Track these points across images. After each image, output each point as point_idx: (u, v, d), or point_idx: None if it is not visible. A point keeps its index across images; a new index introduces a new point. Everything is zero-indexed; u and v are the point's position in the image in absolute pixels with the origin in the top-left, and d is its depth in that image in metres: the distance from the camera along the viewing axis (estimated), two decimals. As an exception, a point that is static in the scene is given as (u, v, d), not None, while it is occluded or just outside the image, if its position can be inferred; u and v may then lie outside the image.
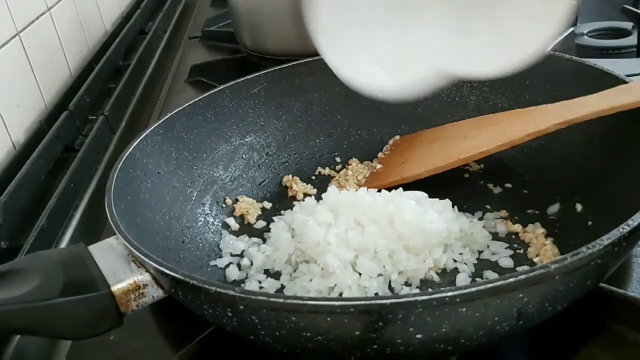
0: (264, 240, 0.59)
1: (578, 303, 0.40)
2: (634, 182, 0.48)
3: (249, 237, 0.60)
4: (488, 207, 0.59)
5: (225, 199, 0.64)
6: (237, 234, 0.61)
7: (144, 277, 0.42)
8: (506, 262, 0.52)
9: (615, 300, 0.44)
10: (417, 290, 0.50)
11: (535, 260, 0.52)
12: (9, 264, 0.43)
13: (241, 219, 0.63)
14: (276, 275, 0.54)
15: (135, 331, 0.49)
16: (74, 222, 0.65)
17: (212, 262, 0.57)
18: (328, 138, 0.71)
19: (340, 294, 0.50)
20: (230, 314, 0.38)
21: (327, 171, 0.69)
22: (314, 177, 0.69)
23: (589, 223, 0.51)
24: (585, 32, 1.00)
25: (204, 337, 0.45)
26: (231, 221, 0.62)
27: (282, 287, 0.53)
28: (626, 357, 0.43)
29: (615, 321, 0.44)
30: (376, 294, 0.50)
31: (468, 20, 0.50)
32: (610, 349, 0.43)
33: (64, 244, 0.62)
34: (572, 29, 0.85)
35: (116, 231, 0.44)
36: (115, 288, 0.41)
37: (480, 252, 0.54)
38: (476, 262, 0.53)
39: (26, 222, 0.63)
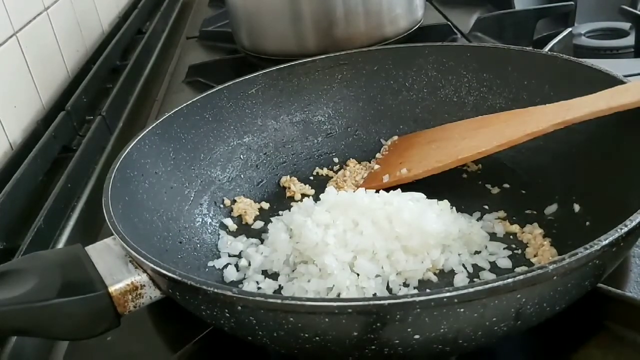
0: (262, 241, 0.59)
1: (576, 303, 0.40)
2: (631, 182, 0.48)
3: (247, 237, 0.60)
4: (486, 207, 0.59)
5: (223, 199, 0.64)
6: (235, 234, 0.61)
7: (141, 277, 0.42)
8: (504, 262, 0.52)
9: (613, 301, 0.43)
10: (415, 291, 0.50)
11: (533, 260, 0.52)
12: (6, 264, 0.43)
13: (239, 219, 0.63)
14: (274, 276, 0.54)
15: (132, 332, 0.49)
16: (71, 223, 0.65)
17: (210, 263, 0.56)
18: (326, 138, 0.71)
19: (339, 295, 0.50)
20: (228, 314, 0.38)
21: (325, 172, 0.69)
22: (311, 178, 0.69)
23: (587, 223, 0.51)
24: (583, 32, 1.00)
25: (201, 337, 0.44)
26: (229, 222, 0.62)
27: (280, 287, 0.53)
28: (624, 357, 0.42)
29: (613, 321, 0.44)
30: (374, 294, 0.50)
31: None
32: (608, 349, 0.43)
33: (61, 244, 0.62)
34: (570, 29, 0.85)
35: (113, 232, 0.44)
36: (113, 289, 0.41)
37: (478, 252, 0.54)
38: (474, 262, 0.53)
39: (23, 223, 0.63)
